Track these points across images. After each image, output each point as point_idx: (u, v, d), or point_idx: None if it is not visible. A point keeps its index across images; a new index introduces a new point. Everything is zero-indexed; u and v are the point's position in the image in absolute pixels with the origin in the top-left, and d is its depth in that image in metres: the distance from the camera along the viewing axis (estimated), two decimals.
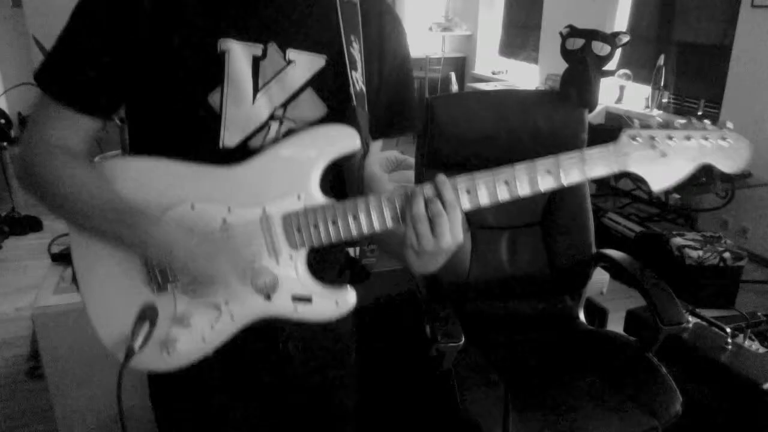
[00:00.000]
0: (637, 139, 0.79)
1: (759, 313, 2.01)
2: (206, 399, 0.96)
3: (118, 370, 0.80)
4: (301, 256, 0.84)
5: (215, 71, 0.80)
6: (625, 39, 2.02)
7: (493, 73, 6.33)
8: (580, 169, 0.79)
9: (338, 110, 0.87)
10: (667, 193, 3.37)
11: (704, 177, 3.09)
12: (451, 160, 1.83)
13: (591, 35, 2.03)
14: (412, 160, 3.72)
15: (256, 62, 0.82)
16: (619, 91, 4.47)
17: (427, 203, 0.77)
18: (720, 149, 0.80)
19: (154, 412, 1.01)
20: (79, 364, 1.73)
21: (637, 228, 3.34)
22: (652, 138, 0.79)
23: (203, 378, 0.92)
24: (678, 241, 3.05)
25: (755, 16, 3.47)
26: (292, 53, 0.84)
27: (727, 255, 2.94)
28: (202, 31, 0.80)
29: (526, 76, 5.91)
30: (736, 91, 3.62)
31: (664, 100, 4.17)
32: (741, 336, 1.85)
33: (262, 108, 0.83)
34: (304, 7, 0.85)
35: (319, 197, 0.82)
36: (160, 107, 0.83)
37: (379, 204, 0.80)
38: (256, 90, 0.83)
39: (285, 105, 0.85)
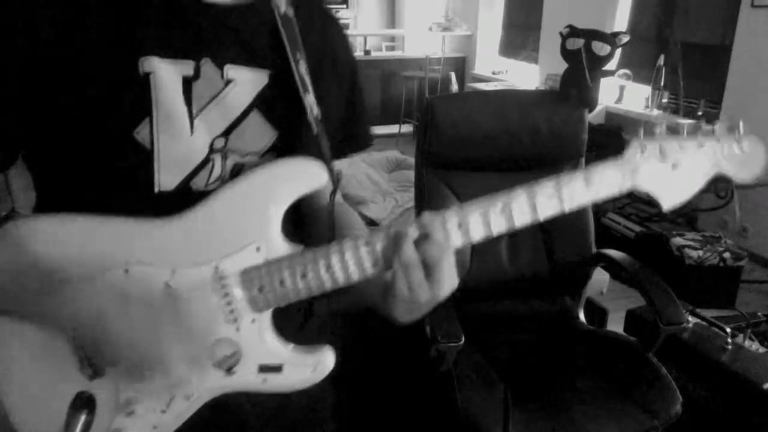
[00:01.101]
0: (645, 152, 0.69)
1: (759, 313, 2.01)
2: None
3: None
4: (265, 318, 0.70)
5: (140, 99, 0.66)
6: (625, 39, 2.02)
7: (493, 73, 6.33)
8: (583, 192, 0.69)
9: (291, 135, 0.74)
10: None
11: None
12: (450, 160, 1.83)
13: (591, 35, 2.03)
14: (411, 160, 3.73)
15: (188, 84, 0.68)
16: (619, 91, 4.47)
17: (417, 247, 0.64)
18: (735, 157, 0.71)
19: None
20: None
21: (637, 228, 3.34)
22: (662, 148, 0.69)
23: None
24: (678, 241, 3.05)
25: (755, 16, 3.47)
26: (231, 70, 0.70)
27: (727, 255, 2.94)
28: (117, 50, 0.65)
29: (526, 76, 5.91)
30: (736, 91, 3.62)
31: (664, 100, 4.17)
32: (741, 336, 1.85)
33: (202, 140, 0.69)
34: (241, 18, 0.71)
35: (282, 246, 0.68)
36: (75, 151, 0.68)
37: (355, 249, 0.66)
38: (191, 118, 0.68)
39: (227, 133, 0.71)
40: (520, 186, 0.68)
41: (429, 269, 0.65)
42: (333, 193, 0.75)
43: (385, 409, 1.94)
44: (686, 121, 0.76)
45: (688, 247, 2.99)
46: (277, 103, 0.73)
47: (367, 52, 6.67)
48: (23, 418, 0.72)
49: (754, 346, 1.82)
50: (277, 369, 0.71)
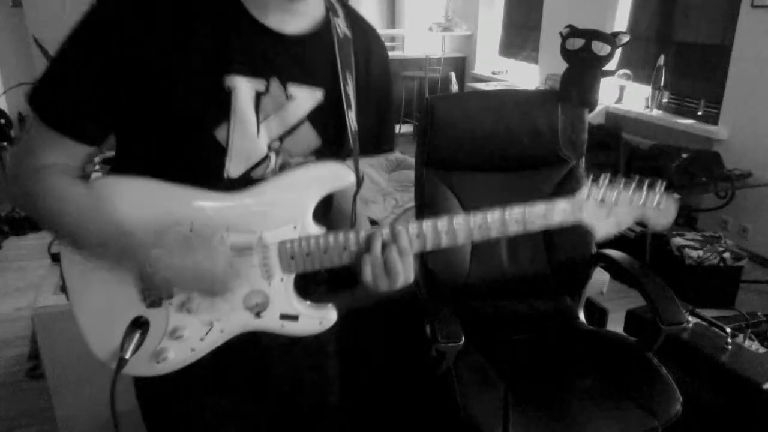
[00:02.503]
0: (591, 198, 0.94)
1: (759, 313, 2.01)
2: (190, 395, 0.99)
3: (111, 380, 0.84)
4: (291, 279, 0.90)
5: (222, 107, 0.82)
6: (625, 39, 2.02)
7: (493, 73, 6.33)
8: (542, 221, 0.92)
9: (332, 143, 0.92)
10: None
11: (704, 177, 3.09)
12: (450, 160, 1.83)
13: (591, 35, 2.02)
14: (411, 160, 3.72)
15: (258, 97, 0.84)
16: (619, 91, 4.47)
17: (383, 247, 0.85)
18: (653, 210, 0.96)
19: (141, 411, 1.02)
20: (79, 364, 1.73)
21: (637, 228, 3.34)
22: (603, 200, 0.94)
23: (187, 376, 0.94)
24: (678, 241, 3.05)
25: (755, 16, 3.47)
26: (292, 88, 0.86)
27: (727, 255, 2.94)
28: (209, 67, 0.80)
29: (526, 76, 5.91)
30: (736, 91, 3.62)
31: (664, 100, 4.17)
32: (741, 336, 1.85)
33: (263, 141, 0.86)
34: (306, 45, 0.87)
35: (313, 228, 0.88)
36: (162, 140, 0.84)
37: (359, 238, 0.87)
38: (258, 124, 0.85)
39: (282, 138, 0.88)
40: (495, 209, 0.90)
41: (388, 268, 0.85)
42: (356, 192, 0.98)
43: (386, 409, 1.94)
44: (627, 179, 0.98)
45: (688, 247, 2.99)
46: (326, 117, 0.90)
47: None
48: (93, 332, 0.89)
49: (754, 346, 1.82)
50: (294, 318, 0.91)
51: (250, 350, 0.97)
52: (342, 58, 0.89)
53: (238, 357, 0.97)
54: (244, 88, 0.82)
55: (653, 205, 0.96)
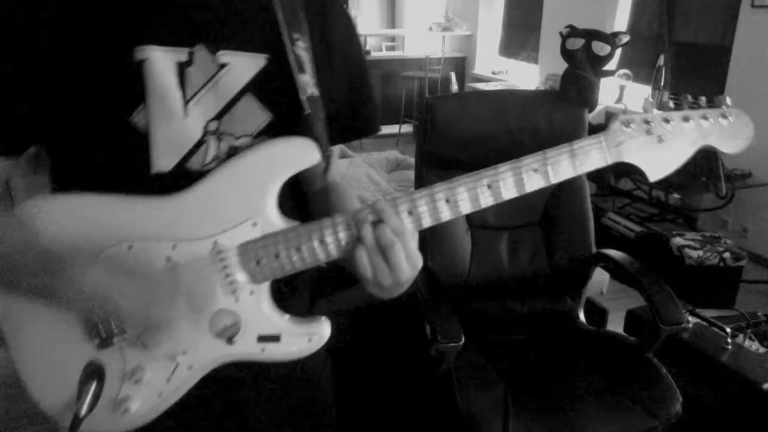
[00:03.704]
0: (631, 125, 0.72)
1: (759, 313, 2.01)
2: None
3: None
4: (263, 290, 0.73)
5: (135, 86, 0.69)
6: (625, 39, 2.02)
7: (493, 73, 6.33)
8: (569, 163, 0.71)
9: (286, 116, 0.75)
10: (667, 193, 3.37)
11: (704, 177, 3.09)
12: (450, 160, 1.83)
13: (591, 35, 2.03)
14: (411, 160, 3.73)
15: (181, 69, 0.70)
16: (619, 91, 4.47)
17: (375, 230, 0.68)
18: (721, 128, 0.74)
19: None
20: None
21: (637, 228, 3.34)
22: (647, 122, 0.72)
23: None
24: (678, 241, 3.05)
25: (755, 16, 3.47)
26: (224, 56, 0.72)
27: (727, 255, 2.94)
28: (113, 40, 0.68)
29: (526, 76, 5.91)
30: (736, 91, 3.62)
31: (664, 100, 4.17)
32: (741, 336, 1.85)
33: (196, 122, 0.72)
34: (235, 2, 0.74)
35: (277, 222, 0.71)
36: (78, 134, 0.71)
37: (346, 222, 0.70)
38: (185, 102, 0.71)
39: (219, 116, 0.73)
40: (509, 162, 0.72)
41: (384, 253, 0.68)
42: (325, 170, 0.79)
43: (386, 409, 1.94)
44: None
45: (688, 247, 2.99)
46: (273, 86, 0.75)
47: (367, 52, 6.67)
48: (39, 386, 0.76)
49: (754, 346, 1.82)
50: (275, 339, 0.74)
51: (227, 408, 0.83)
52: (286, 15, 0.75)
53: (210, 407, 0.82)
54: (160, 60, 0.69)
55: (719, 120, 0.73)
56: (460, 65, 6.76)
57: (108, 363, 0.73)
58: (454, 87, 6.24)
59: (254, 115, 0.75)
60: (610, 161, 0.72)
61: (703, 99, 0.75)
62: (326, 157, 0.76)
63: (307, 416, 0.93)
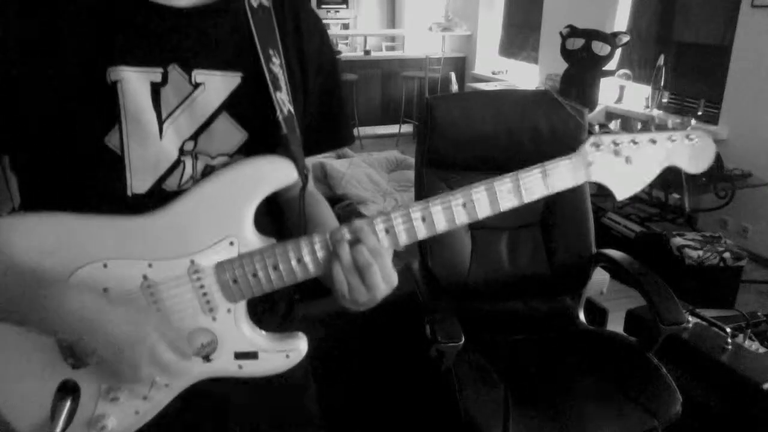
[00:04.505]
0: (600, 147, 0.74)
1: (759, 313, 2.01)
2: None
3: None
4: (240, 308, 0.73)
5: (109, 107, 0.68)
6: (625, 39, 2.03)
7: (493, 73, 6.33)
8: (541, 182, 0.74)
9: (261, 135, 0.75)
10: (667, 193, 3.37)
11: (704, 178, 3.09)
12: (450, 160, 1.83)
13: (591, 35, 2.03)
14: (411, 160, 3.73)
15: (156, 90, 0.70)
16: (619, 91, 4.47)
17: (351, 251, 0.68)
18: (685, 149, 0.77)
19: None
20: None
21: (637, 228, 3.34)
22: (616, 144, 0.75)
23: None
24: (678, 241, 3.05)
25: (755, 16, 3.47)
26: (199, 75, 0.72)
27: (727, 255, 2.94)
28: (86, 61, 0.67)
29: (526, 76, 5.91)
30: (736, 91, 3.62)
31: (664, 100, 4.17)
32: (741, 336, 1.85)
33: (171, 143, 0.72)
34: (209, 20, 0.73)
35: (255, 240, 0.71)
36: (52, 154, 0.70)
37: (324, 242, 0.70)
38: (161, 123, 0.71)
39: (195, 136, 0.73)
40: (482, 182, 0.74)
41: (361, 274, 0.68)
42: (303, 189, 0.78)
43: (386, 409, 1.94)
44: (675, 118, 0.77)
45: (688, 247, 2.98)
46: (248, 105, 0.75)
47: (367, 52, 6.67)
48: (12, 406, 0.74)
49: (754, 346, 1.82)
50: (252, 356, 0.75)
51: (203, 411, 0.82)
52: (260, 32, 0.74)
53: (191, 420, 0.81)
54: (133, 81, 0.68)
55: (684, 142, 0.76)
56: (460, 65, 6.77)
57: (83, 381, 0.72)
58: (454, 87, 6.24)
59: (230, 134, 0.74)
60: (580, 181, 0.75)
61: (669, 121, 0.77)
62: (304, 176, 0.76)
63: (291, 424, 0.92)
